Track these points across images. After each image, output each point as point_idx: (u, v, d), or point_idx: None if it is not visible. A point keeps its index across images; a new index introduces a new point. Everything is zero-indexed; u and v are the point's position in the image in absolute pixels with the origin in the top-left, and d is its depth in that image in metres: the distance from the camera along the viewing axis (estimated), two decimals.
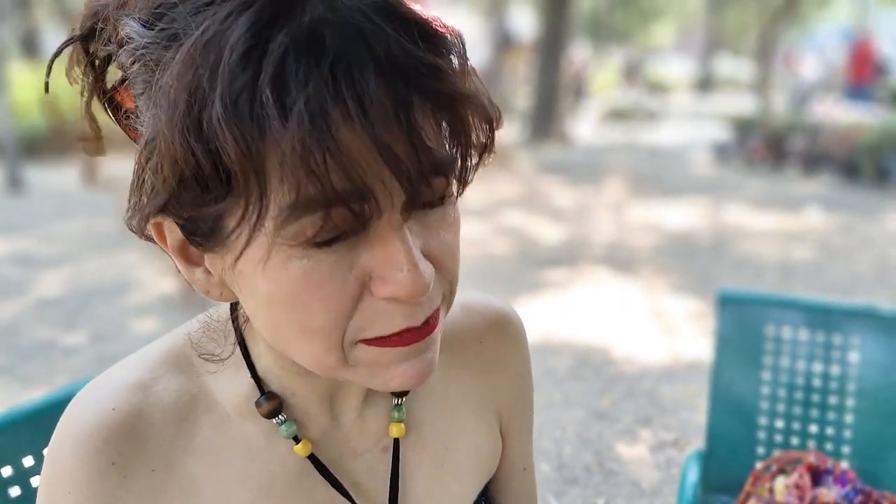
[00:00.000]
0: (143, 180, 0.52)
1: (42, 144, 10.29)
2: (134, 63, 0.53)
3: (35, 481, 1.01)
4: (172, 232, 0.55)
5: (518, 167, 10.73)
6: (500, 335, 0.77)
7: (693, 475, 1.59)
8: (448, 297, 0.58)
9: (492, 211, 7.66)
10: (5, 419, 1.01)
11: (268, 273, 0.51)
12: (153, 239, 0.58)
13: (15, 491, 1.01)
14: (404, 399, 0.70)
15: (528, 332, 0.81)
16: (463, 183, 0.55)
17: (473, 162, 0.54)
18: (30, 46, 16.52)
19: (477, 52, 19.75)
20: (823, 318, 1.64)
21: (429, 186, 0.51)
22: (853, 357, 1.62)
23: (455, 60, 0.51)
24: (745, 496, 1.44)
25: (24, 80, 10.87)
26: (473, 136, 0.52)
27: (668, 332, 4.34)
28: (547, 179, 9.71)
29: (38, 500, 0.62)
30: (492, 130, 0.54)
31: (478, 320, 0.76)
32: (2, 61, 8.61)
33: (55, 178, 9.43)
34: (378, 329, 0.53)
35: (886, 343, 1.60)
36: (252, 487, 0.63)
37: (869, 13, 21.76)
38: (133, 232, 0.58)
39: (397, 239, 0.51)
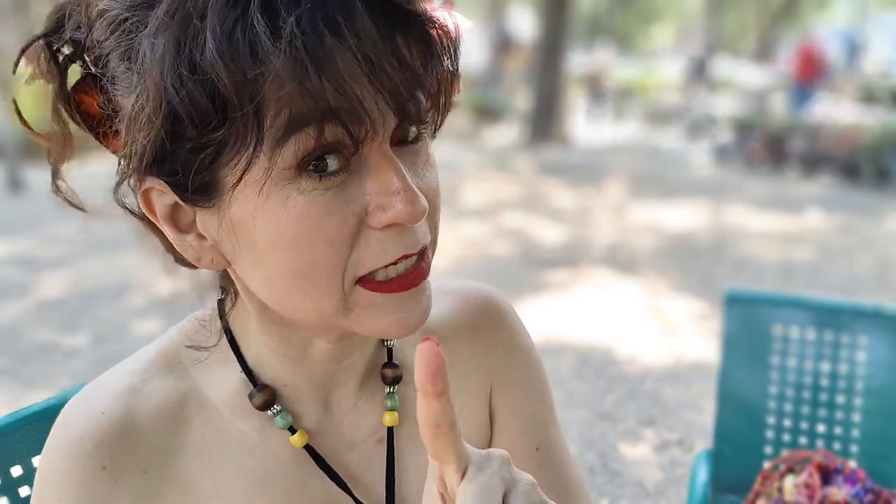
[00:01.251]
0: (131, 142, 0.53)
1: (42, 146, 10.28)
2: (112, 32, 0.54)
3: None
4: (162, 196, 0.56)
5: (518, 168, 10.73)
6: (483, 317, 0.76)
7: (703, 474, 1.59)
8: (432, 238, 0.59)
9: (492, 212, 7.66)
10: (15, 419, 1.00)
11: (267, 215, 0.52)
12: (135, 214, 0.59)
13: (24, 490, 1.00)
14: (397, 388, 0.70)
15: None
16: (440, 109, 0.57)
17: (445, 85, 0.56)
18: None
19: (476, 54, 19.75)
20: (831, 317, 1.64)
21: (414, 104, 0.53)
22: (861, 356, 1.62)
23: None
24: (755, 495, 1.43)
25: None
26: (445, 59, 0.54)
27: (670, 333, 4.34)
28: (547, 181, 9.71)
29: None
30: (456, 54, 0.56)
31: (460, 306, 0.76)
32: (2, 63, 8.60)
33: None
34: (374, 260, 0.54)
35: (894, 342, 1.60)
36: (246, 483, 0.64)
37: (867, 15, 21.80)
38: (121, 206, 0.59)
39: (390, 167, 0.53)
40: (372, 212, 0.53)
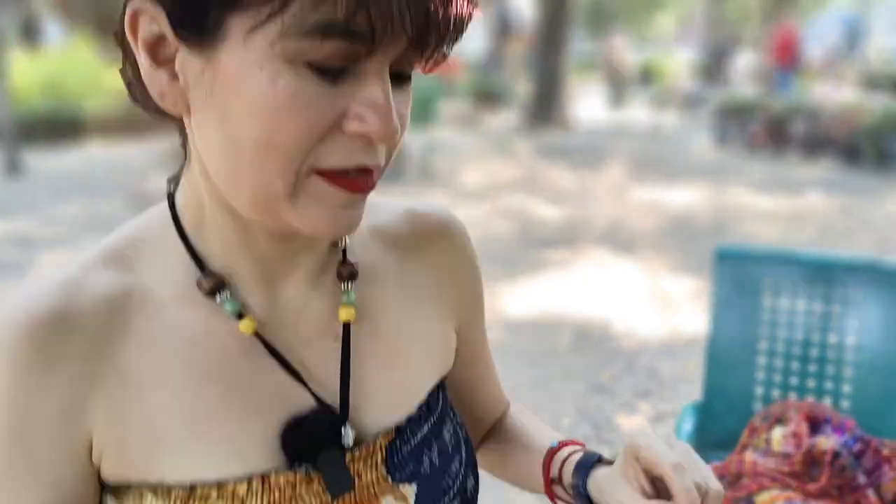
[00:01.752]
0: None
1: (40, 129, 10.30)
2: None
3: None
4: (151, 23, 0.55)
5: (518, 152, 10.71)
6: (449, 236, 0.80)
7: (688, 426, 1.58)
8: (385, 165, 0.61)
9: (492, 193, 7.64)
10: None
11: (255, 82, 0.52)
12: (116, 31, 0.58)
13: None
14: (354, 285, 0.70)
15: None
16: (440, 54, 0.57)
17: (458, 33, 0.56)
18: (29, 33, 16.51)
19: (477, 39, 19.70)
20: (823, 272, 1.62)
21: (429, 43, 0.54)
22: (852, 311, 1.60)
23: None
24: (742, 448, 1.42)
25: (23, 67, 10.98)
26: (465, 7, 0.55)
27: (668, 310, 4.33)
28: (548, 164, 9.69)
29: None
30: (474, 3, 0.57)
31: (425, 222, 0.79)
32: (1, 48, 8.60)
33: (54, 162, 9.42)
34: (336, 160, 0.56)
35: (887, 298, 1.59)
36: (192, 372, 0.62)
37: (869, 2, 21.70)
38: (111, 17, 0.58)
39: (380, 85, 0.55)
40: (350, 116, 0.54)
